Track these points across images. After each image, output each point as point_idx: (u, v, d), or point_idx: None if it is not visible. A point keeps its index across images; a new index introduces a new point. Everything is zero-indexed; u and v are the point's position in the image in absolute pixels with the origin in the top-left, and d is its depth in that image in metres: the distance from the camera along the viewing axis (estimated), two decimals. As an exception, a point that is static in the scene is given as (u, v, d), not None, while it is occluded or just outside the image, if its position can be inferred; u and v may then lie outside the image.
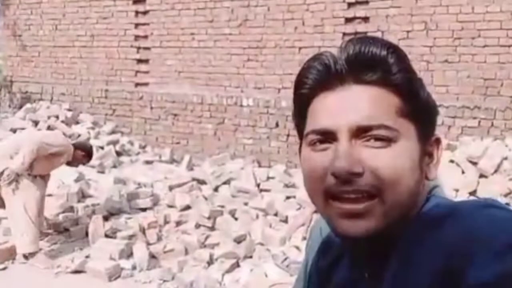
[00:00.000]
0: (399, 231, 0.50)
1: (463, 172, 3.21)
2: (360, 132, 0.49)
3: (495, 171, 3.17)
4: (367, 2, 3.97)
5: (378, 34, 3.93)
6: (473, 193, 3.06)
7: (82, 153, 3.10)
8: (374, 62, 0.51)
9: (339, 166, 0.48)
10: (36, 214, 2.88)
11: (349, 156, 0.48)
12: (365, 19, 3.99)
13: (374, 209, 0.49)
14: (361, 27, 4.00)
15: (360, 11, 4.00)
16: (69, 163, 3.12)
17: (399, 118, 0.50)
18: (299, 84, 0.55)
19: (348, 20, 4.04)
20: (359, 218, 0.49)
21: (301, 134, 0.55)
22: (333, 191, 0.49)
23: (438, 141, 0.55)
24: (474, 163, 3.20)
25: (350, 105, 0.51)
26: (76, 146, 3.11)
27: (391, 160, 0.49)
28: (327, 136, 0.51)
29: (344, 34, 4.06)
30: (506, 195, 3.00)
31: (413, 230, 0.49)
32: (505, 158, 3.21)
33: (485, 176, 3.15)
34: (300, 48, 4.21)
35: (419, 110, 0.52)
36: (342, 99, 0.51)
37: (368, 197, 0.49)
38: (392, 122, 0.50)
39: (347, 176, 0.48)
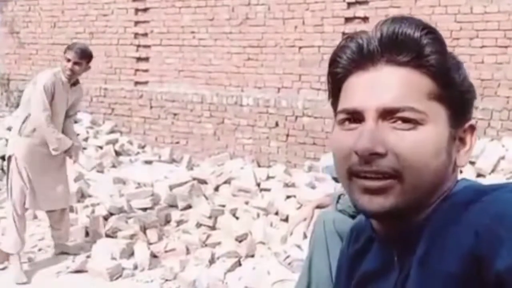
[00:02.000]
0: (426, 213, 0.50)
1: (461, 171, 3.24)
2: (387, 113, 0.49)
3: (492, 171, 3.20)
4: (366, 2, 3.99)
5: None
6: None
7: (66, 57, 2.67)
8: (407, 43, 0.50)
9: (362, 145, 0.49)
10: (23, 210, 2.72)
11: (373, 136, 0.49)
12: (365, 19, 4.01)
13: (392, 187, 0.49)
14: (360, 27, 4.01)
15: (359, 11, 4.01)
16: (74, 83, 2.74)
17: (429, 101, 0.50)
18: (332, 62, 0.55)
19: (348, 20, 4.06)
20: (377, 195, 0.49)
21: (335, 113, 0.56)
22: (355, 169, 0.50)
23: (472, 127, 0.54)
24: (472, 163, 3.23)
25: (379, 86, 0.50)
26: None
27: (415, 143, 0.48)
28: (356, 116, 0.51)
29: (344, 33, 4.07)
30: (503, 194, 3.04)
31: (442, 213, 0.49)
32: (502, 158, 3.25)
33: (483, 176, 3.19)
34: (300, 48, 4.22)
35: (452, 94, 0.51)
36: (373, 80, 0.51)
37: (388, 177, 0.49)
38: (420, 104, 0.49)
39: (368, 156, 0.49)
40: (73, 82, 2.81)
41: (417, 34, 0.50)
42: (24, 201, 2.72)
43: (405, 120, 0.49)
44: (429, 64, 0.50)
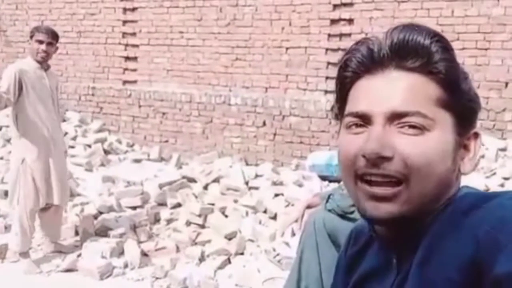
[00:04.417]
0: (429, 219, 0.50)
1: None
2: (395, 118, 0.50)
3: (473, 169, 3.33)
4: (351, 4, 4.08)
5: (362, 36, 4.05)
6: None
7: (37, 39, 2.61)
8: (417, 50, 0.50)
9: (370, 148, 0.49)
10: (35, 211, 2.73)
11: (381, 139, 0.49)
12: (350, 20, 4.10)
13: (400, 194, 0.49)
14: (345, 29, 4.11)
15: (345, 13, 4.10)
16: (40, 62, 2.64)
17: (437, 108, 0.50)
18: (342, 65, 0.55)
19: (333, 22, 4.14)
20: (384, 201, 0.50)
21: (341, 117, 0.56)
22: (361, 172, 0.50)
23: (476, 135, 0.54)
24: (453, 161, 3.35)
25: (388, 90, 0.51)
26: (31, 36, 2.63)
27: (422, 149, 0.49)
28: (363, 120, 0.52)
29: (329, 35, 4.16)
30: (482, 192, 3.17)
31: (443, 218, 0.49)
32: (482, 157, 3.37)
33: (463, 174, 3.31)
34: (287, 48, 4.29)
35: (459, 102, 0.51)
36: (381, 84, 0.51)
37: (395, 183, 0.49)
38: (428, 110, 0.49)
39: (376, 159, 0.49)
40: (46, 67, 2.76)
41: (427, 41, 0.50)
42: (37, 201, 2.70)
43: (412, 126, 0.49)
44: (438, 71, 0.51)
